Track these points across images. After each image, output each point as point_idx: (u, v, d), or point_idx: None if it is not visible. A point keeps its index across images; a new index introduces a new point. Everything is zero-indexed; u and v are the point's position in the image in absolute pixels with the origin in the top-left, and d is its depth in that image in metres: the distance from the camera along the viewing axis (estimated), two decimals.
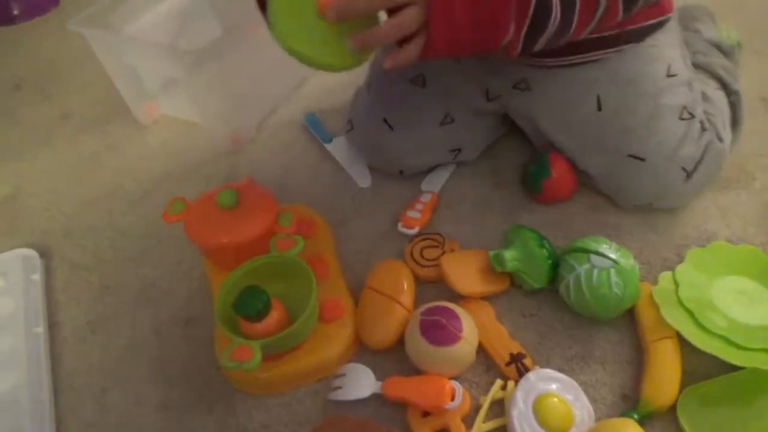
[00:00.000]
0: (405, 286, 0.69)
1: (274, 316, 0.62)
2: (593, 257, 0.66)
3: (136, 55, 0.94)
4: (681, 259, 0.71)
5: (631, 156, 0.73)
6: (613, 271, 0.64)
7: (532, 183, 0.80)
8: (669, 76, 0.73)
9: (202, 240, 0.69)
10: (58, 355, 0.71)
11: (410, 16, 0.55)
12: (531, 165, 0.81)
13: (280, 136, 0.98)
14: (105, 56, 0.95)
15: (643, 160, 0.72)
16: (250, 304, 0.59)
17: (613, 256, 0.65)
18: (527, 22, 0.58)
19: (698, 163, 0.73)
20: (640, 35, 0.73)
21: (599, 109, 0.74)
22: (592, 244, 0.67)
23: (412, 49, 0.57)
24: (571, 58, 0.73)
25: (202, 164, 0.94)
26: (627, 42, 0.73)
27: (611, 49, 0.73)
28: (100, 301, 0.76)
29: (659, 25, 0.74)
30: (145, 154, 0.97)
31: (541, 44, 0.61)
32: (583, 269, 0.65)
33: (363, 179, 0.88)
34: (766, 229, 0.75)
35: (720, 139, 0.76)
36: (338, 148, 0.93)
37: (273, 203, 0.72)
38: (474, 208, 0.82)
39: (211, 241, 0.69)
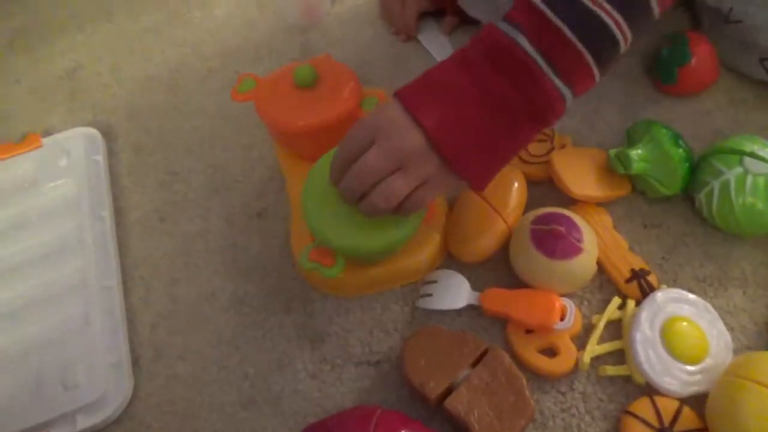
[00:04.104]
0: (514, 200, 0.59)
1: None
2: (747, 160, 0.54)
3: None
4: None
5: None
6: None
7: (664, 70, 0.67)
8: None
9: (275, 122, 0.61)
10: (125, 242, 0.66)
11: (398, 187, 0.45)
12: (664, 48, 0.67)
13: (359, 11, 0.85)
14: None
15: None
16: None
17: None
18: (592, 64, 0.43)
19: None
20: None
21: None
22: (746, 144, 0.55)
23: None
24: None
25: (272, 40, 0.84)
26: None
27: None
28: (168, 188, 0.70)
29: None
30: (209, 28, 0.87)
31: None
32: (733, 174, 0.54)
33: None
34: None
35: None
36: (425, 28, 0.80)
37: (357, 83, 0.62)
38: (586, 99, 0.69)
39: (284, 123, 0.60)
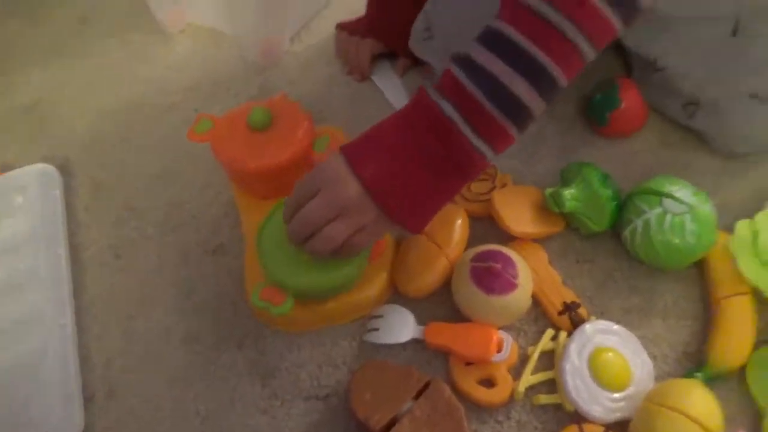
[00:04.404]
0: (456, 237, 0.63)
1: None
2: (666, 201, 0.59)
3: None
4: (759, 206, 0.63)
5: (753, 96, 0.63)
6: (688, 217, 0.58)
7: (596, 114, 0.72)
8: None
9: (231, 163, 0.63)
10: (81, 279, 0.67)
11: (337, 233, 0.50)
12: (597, 93, 0.72)
13: (316, 50, 0.89)
14: None
15: (766, 103, 0.63)
16: None
17: (688, 200, 0.58)
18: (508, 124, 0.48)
19: None
20: None
21: (734, 34, 0.63)
22: (665, 186, 0.60)
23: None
24: None
25: (231, 78, 0.87)
26: None
27: None
28: (125, 224, 0.71)
29: None
30: (170, 65, 0.90)
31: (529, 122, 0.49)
32: (654, 213, 0.59)
33: (402, 104, 0.80)
34: None
35: None
36: (379, 69, 0.85)
37: (310, 124, 0.65)
38: (527, 140, 0.74)
39: (239, 165, 0.63)
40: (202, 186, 0.74)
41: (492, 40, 0.46)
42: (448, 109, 0.47)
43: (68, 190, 0.75)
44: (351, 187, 0.48)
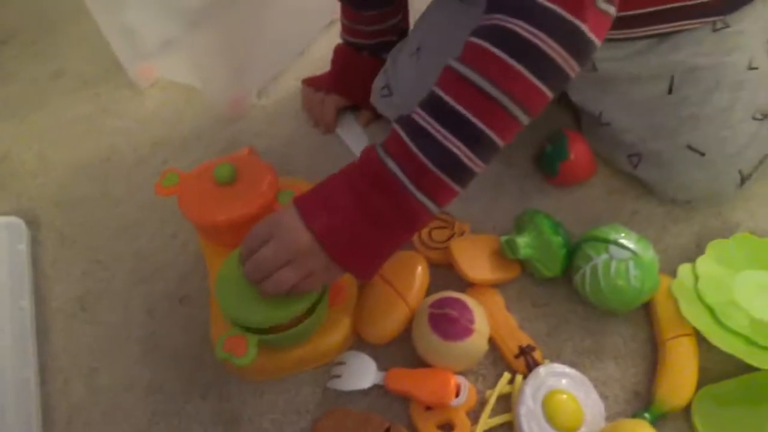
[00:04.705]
0: (417, 284, 0.65)
1: None
2: (612, 247, 0.62)
3: (133, 12, 0.88)
4: (701, 250, 0.67)
5: (690, 148, 0.68)
6: (631, 263, 0.61)
7: (548, 164, 0.76)
8: (750, 68, 0.67)
9: (196, 216, 0.65)
10: (45, 332, 0.67)
11: (287, 278, 0.52)
12: (548, 145, 0.76)
13: (283, 104, 0.93)
14: (99, 12, 0.89)
15: (702, 154, 0.67)
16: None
17: (632, 246, 0.62)
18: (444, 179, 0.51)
19: (755, 168, 0.69)
20: (728, 7, 0.67)
21: (669, 92, 0.68)
22: (611, 233, 0.63)
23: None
24: (650, 29, 0.68)
25: (201, 131, 0.90)
26: (714, 14, 0.67)
27: (696, 21, 0.67)
28: (91, 276, 0.72)
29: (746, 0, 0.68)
30: (140, 118, 0.92)
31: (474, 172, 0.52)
32: (600, 260, 0.62)
33: None
34: None
35: None
36: (343, 121, 0.88)
37: (274, 179, 0.68)
38: (485, 188, 0.78)
39: (205, 218, 0.65)
40: (170, 237, 0.76)
41: (434, 105, 0.50)
42: (393, 166, 0.50)
43: (36, 243, 0.76)
44: (302, 237, 0.51)
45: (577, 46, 0.49)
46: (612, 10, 0.50)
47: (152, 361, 0.65)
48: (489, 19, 0.50)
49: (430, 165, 0.50)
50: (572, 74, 0.50)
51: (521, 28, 0.47)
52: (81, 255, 0.75)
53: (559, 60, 0.48)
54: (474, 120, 0.49)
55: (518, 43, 0.48)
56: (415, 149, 0.50)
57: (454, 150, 0.49)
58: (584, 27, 0.48)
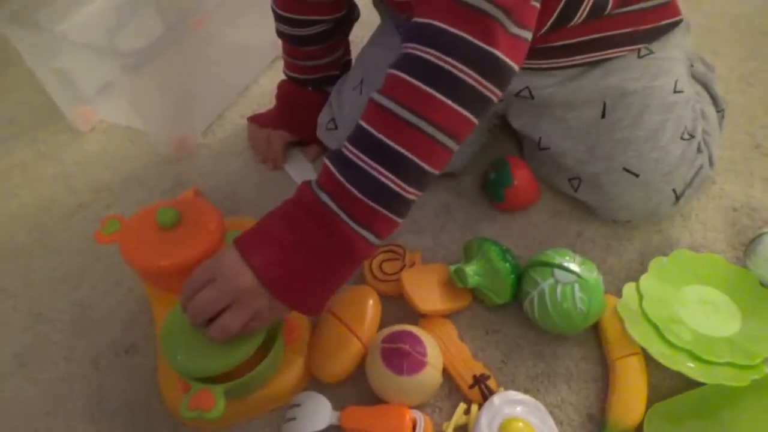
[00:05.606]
0: (368, 319, 0.64)
1: None
2: (557, 271, 0.63)
3: (68, 58, 0.86)
4: (644, 267, 0.70)
5: (625, 170, 0.70)
6: (577, 286, 0.62)
7: (493, 191, 0.78)
8: (676, 92, 0.71)
9: (139, 262, 0.63)
10: None
11: (230, 323, 0.51)
12: (492, 173, 0.78)
13: (228, 142, 0.92)
14: (32, 58, 0.87)
15: (636, 175, 0.70)
16: None
17: (576, 269, 0.63)
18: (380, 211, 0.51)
19: (687, 186, 0.72)
20: (652, 35, 0.71)
21: (603, 116, 0.71)
22: (555, 257, 0.65)
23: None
24: (581, 57, 0.70)
25: (145, 173, 0.88)
26: (640, 41, 0.70)
27: (624, 48, 0.70)
28: (30, 330, 0.69)
29: (670, 27, 0.72)
30: (81, 163, 0.90)
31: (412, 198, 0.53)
32: (546, 285, 0.63)
33: None
34: (727, 235, 0.74)
35: (711, 163, 0.75)
36: (291, 157, 0.88)
37: (219, 221, 0.67)
38: (435, 217, 0.79)
39: (148, 264, 0.63)
40: (114, 285, 0.73)
41: (359, 138, 0.51)
42: (325, 198, 0.50)
43: None
44: (243, 277, 0.50)
45: (492, 71, 0.50)
46: (526, 34, 0.52)
47: (98, 416, 0.62)
48: (405, 48, 0.51)
49: (358, 194, 0.50)
50: (493, 97, 0.51)
51: (433, 56, 0.49)
52: (19, 309, 0.72)
53: (475, 84, 0.49)
54: (398, 148, 0.49)
55: (431, 70, 0.49)
56: (342, 180, 0.50)
57: (382, 179, 0.50)
58: (497, 52, 0.49)
